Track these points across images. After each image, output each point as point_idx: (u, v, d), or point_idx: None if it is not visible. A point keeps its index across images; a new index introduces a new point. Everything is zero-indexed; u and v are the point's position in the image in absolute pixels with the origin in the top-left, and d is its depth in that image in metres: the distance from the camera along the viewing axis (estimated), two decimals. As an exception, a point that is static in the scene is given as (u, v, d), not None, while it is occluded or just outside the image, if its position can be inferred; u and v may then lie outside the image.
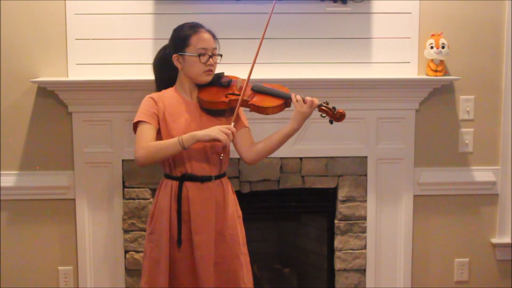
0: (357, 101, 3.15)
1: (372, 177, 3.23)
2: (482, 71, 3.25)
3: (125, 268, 3.17)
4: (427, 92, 3.19)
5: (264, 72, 3.07)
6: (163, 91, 2.60)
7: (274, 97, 2.52)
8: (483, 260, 3.38)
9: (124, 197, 3.14)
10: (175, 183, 2.52)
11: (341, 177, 3.23)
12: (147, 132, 2.47)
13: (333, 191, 3.26)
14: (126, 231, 3.15)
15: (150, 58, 3.08)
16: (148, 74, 3.07)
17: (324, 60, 3.17)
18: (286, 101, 2.51)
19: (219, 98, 2.52)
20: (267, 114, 2.52)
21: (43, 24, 3.05)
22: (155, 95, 2.56)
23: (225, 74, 2.64)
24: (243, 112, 2.64)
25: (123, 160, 3.12)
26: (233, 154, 2.66)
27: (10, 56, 3.06)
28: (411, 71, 3.20)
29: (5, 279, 3.19)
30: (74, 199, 3.15)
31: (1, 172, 3.13)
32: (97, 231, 3.16)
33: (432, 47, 3.12)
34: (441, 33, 3.15)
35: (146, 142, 2.44)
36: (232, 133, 2.41)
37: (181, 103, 2.54)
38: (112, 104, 3.05)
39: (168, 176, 2.55)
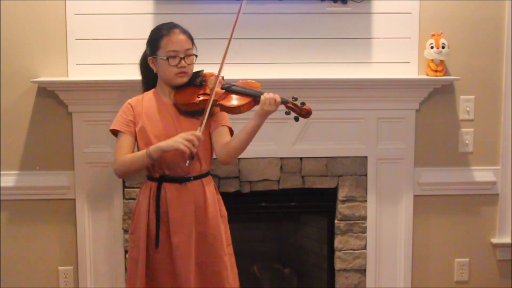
0: (357, 101, 3.15)
1: (372, 177, 3.23)
2: (482, 71, 3.25)
3: (125, 268, 3.17)
4: (427, 92, 3.19)
5: (264, 72, 3.08)
6: (144, 93, 2.60)
7: (243, 96, 2.48)
8: (483, 260, 3.38)
9: (124, 197, 3.14)
10: (154, 184, 2.52)
11: (341, 177, 3.23)
12: (124, 143, 2.51)
13: (333, 191, 3.26)
14: (126, 231, 3.15)
15: (150, 58, 3.09)
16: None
17: (324, 60, 3.17)
18: (255, 99, 2.46)
19: (191, 100, 2.49)
20: (236, 113, 2.49)
21: (43, 24, 3.05)
22: (134, 100, 2.57)
23: (204, 72, 2.59)
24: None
25: (123, 160, 3.12)
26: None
27: (10, 56, 3.06)
28: (411, 71, 3.20)
29: (5, 279, 3.19)
30: (74, 199, 3.15)
31: (1, 172, 3.13)
32: (97, 231, 3.16)
33: (432, 47, 3.12)
34: (441, 33, 3.15)
35: (123, 156, 2.48)
36: (197, 138, 2.37)
37: (159, 105, 2.53)
38: (112, 104, 3.05)
39: (148, 177, 2.56)
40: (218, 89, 2.49)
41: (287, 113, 2.43)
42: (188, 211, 2.50)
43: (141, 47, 3.06)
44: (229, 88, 2.51)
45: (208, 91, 2.51)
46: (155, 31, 2.56)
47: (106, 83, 3.02)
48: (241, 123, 2.56)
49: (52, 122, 3.11)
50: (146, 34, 3.06)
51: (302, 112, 2.41)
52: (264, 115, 2.40)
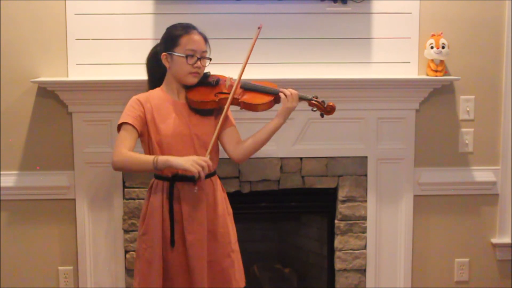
0: (357, 101, 3.15)
1: (372, 177, 3.23)
2: (482, 71, 3.25)
3: (125, 268, 3.17)
4: (427, 92, 3.19)
5: (264, 72, 3.08)
6: (150, 91, 2.59)
7: (264, 94, 2.52)
8: (483, 260, 3.39)
9: (124, 197, 3.14)
10: (166, 184, 2.51)
11: (341, 177, 3.23)
12: (129, 136, 2.44)
13: (333, 191, 3.26)
14: (126, 231, 3.15)
15: (150, 58, 3.09)
16: (148, 74, 3.08)
17: (324, 60, 3.17)
18: (276, 98, 2.51)
19: (208, 98, 2.51)
20: (258, 111, 2.52)
21: (43, 24, 3.05)
22: (142, 96, 2.55)
23: (211, 74, 2.61)
24: (230, 111, 2.62)
25: (123, 160, 3.12)
26: (223, 155, 2.64)
27: (10, 56, 3.07)
28: (411, 71, 3.20)
29: (5, 279, 3.20)
30: (74, 199, 3.15)
31: (1, 172, 3.13)
32: (97, 231, 3.16)
33: (432, 47, 3.12)
34: (441, 33, 3.15)
35: (126, 150, 2.41)
36: (208, 166, 2.37)
37: (169, 103, 2.53)
38: (112, 104, 3.05)
39: (159, 177, 2.54)
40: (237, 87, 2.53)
41: (313, 110, 2.53)
42: (200, 209, 2.51)
43: (141, 47, 3.07)
44: (249, 87, 2.55)
45: (224, 90, 2.53)
46: (174, 28, 2.55)
47: (106, 83, 3.02)
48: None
49: (52, 122, 3.11)
50: (146, 34, 3.08)
51: (327, 109, 2.52)
52: (287, 113, 2.49)
